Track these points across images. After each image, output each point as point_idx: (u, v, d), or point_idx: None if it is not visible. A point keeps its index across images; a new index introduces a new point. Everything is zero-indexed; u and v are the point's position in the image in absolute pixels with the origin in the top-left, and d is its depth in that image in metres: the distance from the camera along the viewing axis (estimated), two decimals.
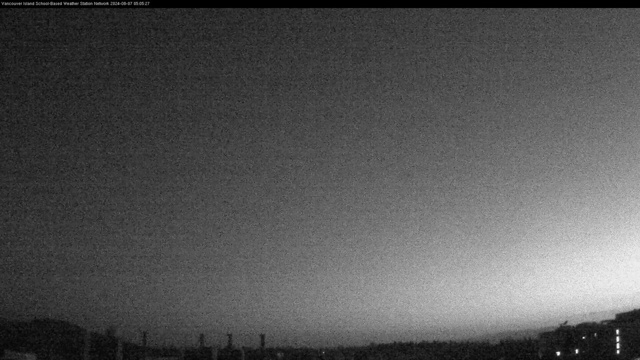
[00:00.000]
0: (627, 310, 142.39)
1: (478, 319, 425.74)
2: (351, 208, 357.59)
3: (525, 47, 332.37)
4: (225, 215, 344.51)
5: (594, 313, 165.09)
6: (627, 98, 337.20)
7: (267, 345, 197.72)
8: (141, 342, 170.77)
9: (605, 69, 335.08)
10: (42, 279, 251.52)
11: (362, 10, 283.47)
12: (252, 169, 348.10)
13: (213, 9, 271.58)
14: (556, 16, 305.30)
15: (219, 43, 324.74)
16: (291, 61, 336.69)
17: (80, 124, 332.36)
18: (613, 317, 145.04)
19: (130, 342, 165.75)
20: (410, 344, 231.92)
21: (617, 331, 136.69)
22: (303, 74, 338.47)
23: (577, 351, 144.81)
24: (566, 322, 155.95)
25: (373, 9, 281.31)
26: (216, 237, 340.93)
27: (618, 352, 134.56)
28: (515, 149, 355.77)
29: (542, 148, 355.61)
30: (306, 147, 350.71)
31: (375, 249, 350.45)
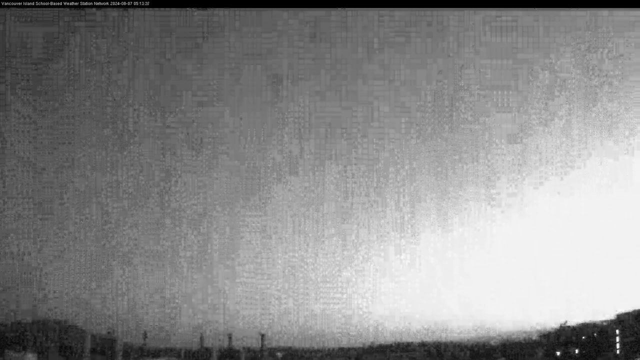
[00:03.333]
0: (627, 310, 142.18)
1: (478, 318, 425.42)
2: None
3: None
4: (226, 215, 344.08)
5: (593, 313, 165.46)
6: None
7: (267, 346, 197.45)
8: (141, 342, 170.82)
9: None
10: (42, 279, 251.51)
11: None
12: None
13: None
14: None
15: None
16: None
17: (80, 122, 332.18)
18: (613, 317, 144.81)
19: (130, 342, 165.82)
20: (410, 344, 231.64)
21: (617, 331, 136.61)
22: None
23: (577, 351, 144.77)
24: (566, 322, 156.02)
25: None
26: (217, 237, 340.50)
27: (618, 352, 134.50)
28: None
29: None
30: None
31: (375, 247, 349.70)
